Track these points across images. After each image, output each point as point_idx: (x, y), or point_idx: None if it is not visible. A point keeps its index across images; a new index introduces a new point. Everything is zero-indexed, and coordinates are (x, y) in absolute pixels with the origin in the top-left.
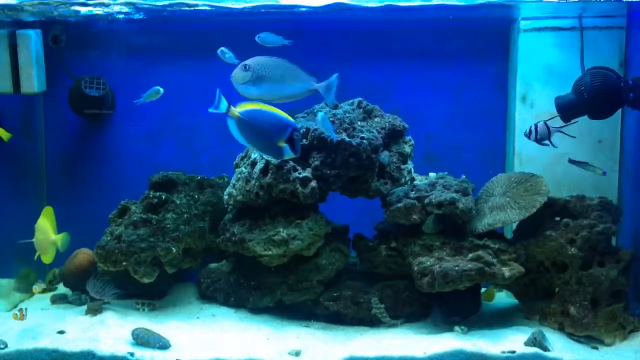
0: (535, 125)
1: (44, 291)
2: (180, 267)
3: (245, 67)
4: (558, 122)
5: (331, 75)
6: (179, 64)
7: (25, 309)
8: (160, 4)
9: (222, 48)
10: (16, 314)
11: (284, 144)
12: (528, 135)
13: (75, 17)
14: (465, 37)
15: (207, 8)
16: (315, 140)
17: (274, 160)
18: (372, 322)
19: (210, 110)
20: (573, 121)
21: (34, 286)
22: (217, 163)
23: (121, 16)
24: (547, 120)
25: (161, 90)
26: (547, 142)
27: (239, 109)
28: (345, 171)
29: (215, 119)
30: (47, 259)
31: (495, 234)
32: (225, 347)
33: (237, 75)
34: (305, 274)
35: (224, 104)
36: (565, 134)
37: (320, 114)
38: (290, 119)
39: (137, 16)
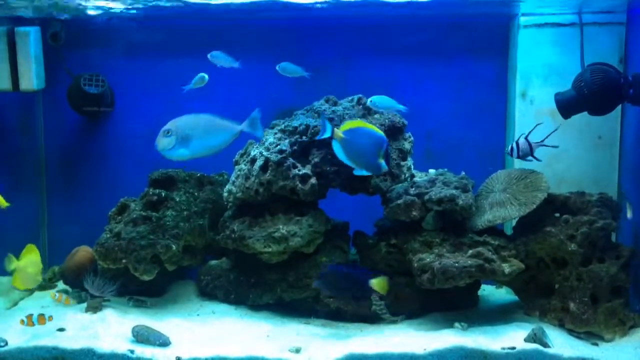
0: (517, 143)
1: (42, 289)
2: (180, 264)
3: (167, 132)
4: (538, 135)
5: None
6: (179, 61)
7: (40, 314)
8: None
9: (212, 52)
10: (23, 320)
11: (382, 160)
12: (510, 153)
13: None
14: (464, 34)
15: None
16: (315, 137)
17: (273, 157)
18: (373, 319)
19: (317, 138)
20: (554, 130)
21: (54, 293)
22: (216, 160)
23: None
24: (527, 135)
25: (206, 77)
26: (530, 158)
27: (342, 130)
28: (345, 168)
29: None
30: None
31: (495, 230)
32: (225, 344)
33: (162, 141)
34: (305, 271)
35: (328, 128)
36: (547, 145)
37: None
38: (381, 132)
39: (133, 12)
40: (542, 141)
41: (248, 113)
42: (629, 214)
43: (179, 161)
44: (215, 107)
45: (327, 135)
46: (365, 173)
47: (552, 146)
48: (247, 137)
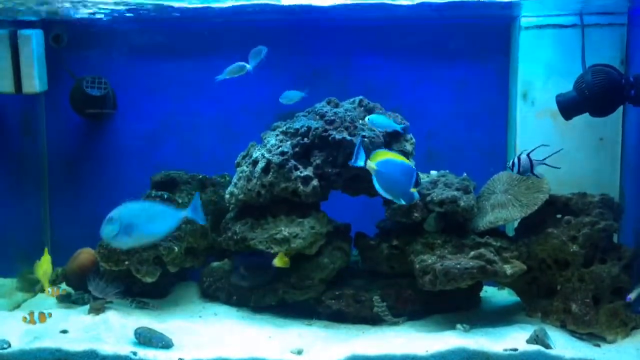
0: (518, 158)
1: (43, 291)
2: (182, 266)
3: (111, 220)
4: (542, 153)
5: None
6: (181, 63)
7: (40, 312)
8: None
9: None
10: (25, 317)
11: (415, 190)
12: (511, 168)
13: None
14: (466, 35)
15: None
16: (316, 139)
17: (275, 159)
18: (374, 320)
19: (350, 163)
20: (556, 151)
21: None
22: (218, 162)
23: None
24: (529, 152)
25: (247, 66)
26: (529, 174)
27: (374, 162)
28: (347, 170)
29: (217, 118)
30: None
31: (497, 231)
32: (227, 346)
33: (105, 229)
34: (307, 272)
35: (362, 157)
36: (548, 165)
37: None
38: (409, 162)
39: (130, 15)
40: (544, 159)
41: (248, 114)
42: (633, 296)
43: (122, 247)
44: (216, 109)
45: (360, 164)
46: (401, 202)
47: (554, 167)
48: (248, 140)
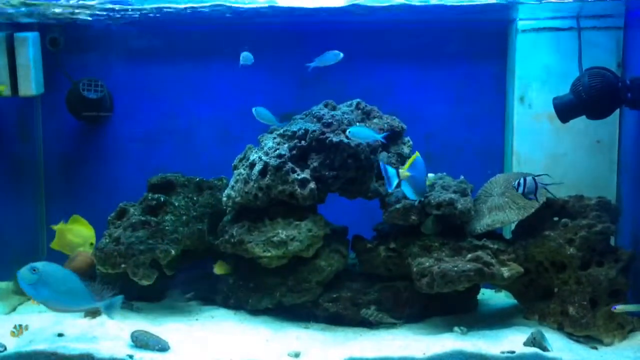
0: (524, 179)
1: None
2: (179, 269)
3: (33, 270)
4: (547, 178)
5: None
6: (177, 66)
7: (26, 325)
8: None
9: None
10: (14, 332)
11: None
12: (516, 187)
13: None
14: (463, 38)
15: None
16: (313, 141)
17: (272, 162)
18: (372, 323)
19: (389, 190)
20: (558, 182)
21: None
22: (215, 165)
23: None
24: (536, 176)
25: (341, 54)
26: (532, 197)
27: (405, 170)
28: (344, 172)
29: (213, 121)
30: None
31: (494, 234)
32: (224, 349)
33: (25, 274)
34: (305, 275)
35: (393, 175)
36: (550, 193)
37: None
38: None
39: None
40: (546, 185)
41: (245, 117)
42: (619, 309)
43: (32, 297)
44: (213, 112)
45: (395, 182)
46: (419, 198)
47: (552, 195)
48: (245, 143)
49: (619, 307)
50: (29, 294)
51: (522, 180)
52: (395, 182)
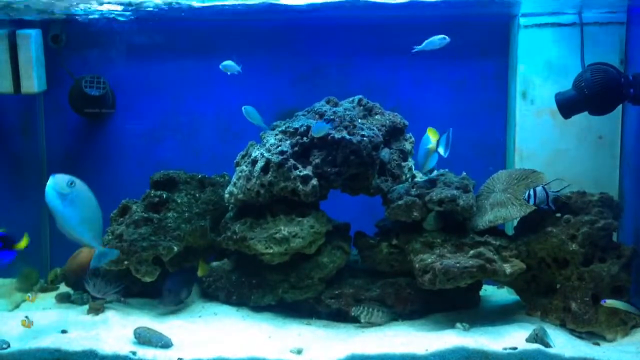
0: (534, 190)
1: (45, 290)
2: (181, 266)
3: (70, 183)
4: (556, 184)
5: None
6: (179, 63)
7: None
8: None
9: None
10: (25, 321)
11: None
12: (527, 199)
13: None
14: (465, 34)
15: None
16: (315, 138)
17: (274, 159)
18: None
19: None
20: (567, 185)
21: (28, 295)
22: (217, 161)
23: (122, 18)
24: (545, 185)
25: (447, 39)
26: (545, 206)
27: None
28: (346, 169)
29: (215, 118)
30: None
31: (496, 230)
32: (227, 345)
33: (60, 182)
34: (307, 271)
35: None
36: (560, 197)
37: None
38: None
39: (132, 15)
40: (558, 191)
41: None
42: (609, 302)
43: (50, 207)
44: (215, 109)
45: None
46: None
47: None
48: (247, 140)
49: (609, 302)
50: (51, 204)
51: (532, 192)
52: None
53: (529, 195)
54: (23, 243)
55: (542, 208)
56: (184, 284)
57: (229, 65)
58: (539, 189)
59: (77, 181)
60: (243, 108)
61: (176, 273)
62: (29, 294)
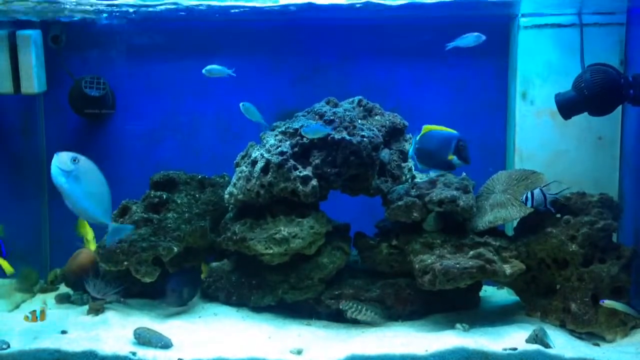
0: (532, 193)
1: (44, 291)
2: (181, 266)
3: (74, 160)
4: (555, 186)
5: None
6: (179, 63)
7: (40, 310)
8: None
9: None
10: (27, 316)
11: (452, 157)
12: (525, 202)
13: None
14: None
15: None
16: (315, 138)
17: (274, 159)
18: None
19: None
20: (566, 187)
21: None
22: (217, 162)
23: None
24: (543, 187)
25: (483, 37)
26: (543, 208)
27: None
28: (346, 169)
29: (215, 118)
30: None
31: (496, 231)
32: (227, 346)
33: (63, 160)
34: (307, 272)
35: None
36: (559, 199)
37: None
38: (453, 131)
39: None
40: (556, 194)
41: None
42: (607, 303)
43: (57, 185)
44: (215, 109)
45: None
46: (442, 172)
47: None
48: (247, 140)
49: (607, 302)
50: (56, 181)
51: (529, 194)
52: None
53: (526, 197)
54: None
55: (541, 210)
56: (187, 284)
57: (214, 69)
58: (536, 191)
59: (82, 157)
60: (241, 104)
61: (180, 273)
62: (36, 309)
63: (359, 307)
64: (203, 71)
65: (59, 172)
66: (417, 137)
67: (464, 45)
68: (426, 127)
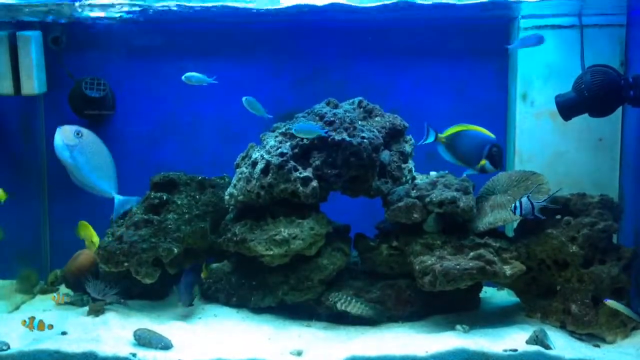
0: (520, 202)
1: (44, 292)
2: (182, 267)
3: (77, 133)
4: (542, 197)
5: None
6: (179, 64)
7: (40, 320)
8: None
9: (186, 75)
10: (25, 321)
11: (485, 162)
12: (514, 211)
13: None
14: (465, 36)
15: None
16: (315, 140)
17: (274, 160)
18: (375, 321)
19: (420, 143)
20: (555, 192)
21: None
22: (218, 163)
23: (121, 15)
24: (529, 194)
25: (544, 38)
26: (531, 216)
27: (444, 135)
28: (346, 171)
29: (216, 119)
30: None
31: (496, 232)
32: (227, 347)
33: (66, 133)
34: (307, 273)
35: (431, 134)
36: (549, 206)
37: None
38: (490, 135)
39: (137, 16)
40: (543, 200)
41: (247, 116)
42: (610, 302)
43: (61, 159)
44: (215, 110)
45: (430, 140)
46: (472, 172)
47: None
48: (247, 142)
49: (610, 302)
50: (60, 155)
51: (517, 203)
52: (429, 140)
53: (515, 207)
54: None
55: (529, 219)
56: (196, 283)
57: (194, 77)
58: (524, 199)
59: (85, 131)
60: (244, 99)
61: (190, 271)
62: (54, 295)
63: (348, 298)
64: (182, 78)
65: (64, 147)
66: (445, 133)
67: (524, 46)
68: (460, 126)
